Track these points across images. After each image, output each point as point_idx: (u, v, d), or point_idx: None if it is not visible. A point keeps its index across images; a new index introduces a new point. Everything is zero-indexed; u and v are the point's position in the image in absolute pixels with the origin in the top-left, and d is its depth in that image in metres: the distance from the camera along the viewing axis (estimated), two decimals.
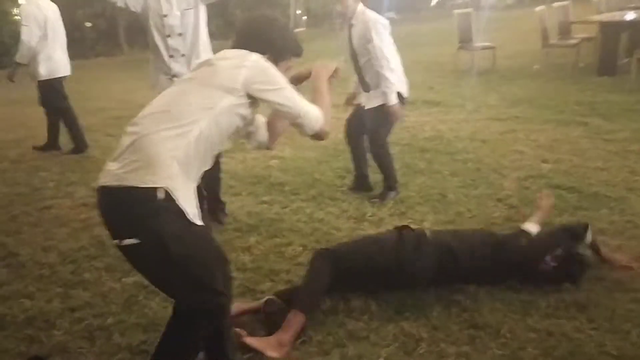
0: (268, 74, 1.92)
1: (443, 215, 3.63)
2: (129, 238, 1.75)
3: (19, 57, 5.24)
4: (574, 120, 5.69)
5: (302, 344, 2.36)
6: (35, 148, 5.79)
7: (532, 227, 2.88)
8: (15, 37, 5.85)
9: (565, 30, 8.87)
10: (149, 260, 1.82)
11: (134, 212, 1.74)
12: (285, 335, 2.35)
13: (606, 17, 8.58)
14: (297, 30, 19.18)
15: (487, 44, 9.07)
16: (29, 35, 5.08)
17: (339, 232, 3.44)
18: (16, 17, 11.93)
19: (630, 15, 8.02)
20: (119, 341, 2.44)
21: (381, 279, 2.67)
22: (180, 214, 1.77)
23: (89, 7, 13.62)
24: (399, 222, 3.53)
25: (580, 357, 2.20)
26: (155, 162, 1.74)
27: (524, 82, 7.68)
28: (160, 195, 1.73)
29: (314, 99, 2.07)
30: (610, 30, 7.84)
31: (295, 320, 2.39)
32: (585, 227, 2.85)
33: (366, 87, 3.96)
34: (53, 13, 5.37)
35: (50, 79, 5.34)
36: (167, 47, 3.43)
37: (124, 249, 1.82)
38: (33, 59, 5.22)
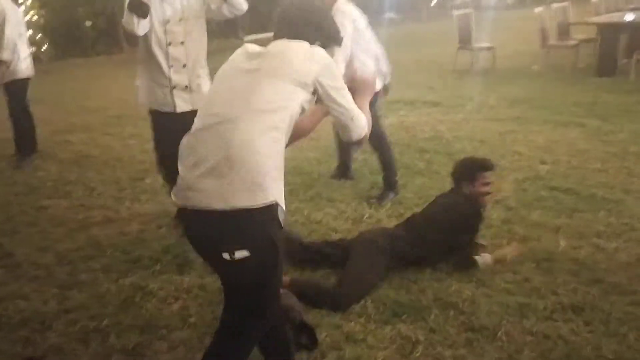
0: (333, 71, 1.84)
1: None
2: (237, 251, 1.65)
3: (7, 55, 4.97)
4: (572, 121, 5.68)
5: (298, 346, 2.35)
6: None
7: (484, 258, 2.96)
8: None
9: (564, 31, 8.86)
10: (251, 271, 1.70)
11: (244, 229, 1.66)
12: None
13: (605, 18, 8.58)
14: None
15: (486, 44, 9.06)
16: (12, 31, 4.96)
17: (336, 234, 3.43)
18: None
19: (629, 17, 8.02)
20: (114, 343, 2.44)
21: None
22: (278, 221, 1.71)
23: (89, 6, 13.58)
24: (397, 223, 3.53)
25: None
26: (262, 177, 1.65)
27: (524, 82, 7.67)
28: (270, 208, 1.67)
29: (359, 105, 1.94)
30: (610, 31, 7.83)
31: None
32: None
33: None
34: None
35: (27, 78, 5.14)
36: (167, 56, 3.23)
37: (223, 263, 1.69)
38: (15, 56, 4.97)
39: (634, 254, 3.00)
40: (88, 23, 13.59)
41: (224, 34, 14.60)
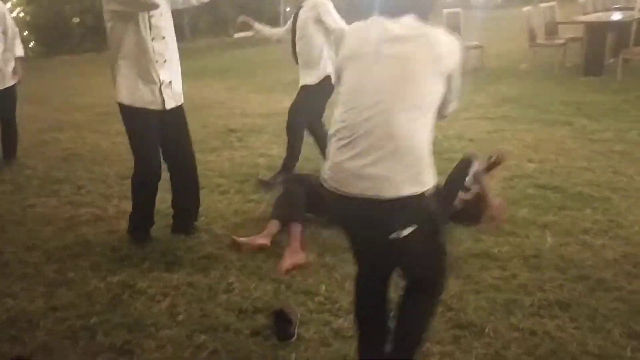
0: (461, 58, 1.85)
1: None
2: (404, 229, 1.78)
3: (19, 51, 4.95)
4: (559, 120, 5.73)
5: (287, 342, 2.36)
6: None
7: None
8: None
9: (552, 30, 8.93)
10: (418, 241, 1.83)
11: (410, 213, 1.79)
12: (294, 243, 3.10)
13: (592, 17, 8.66)
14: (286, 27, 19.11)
15: (475, 43, 9.10)
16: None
17: (326, 231, 3.44)
18: None
19: (616, 16, 8.10)
20: (102, 341, 2.43)
21: None
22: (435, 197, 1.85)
23: (77, 3, 13.48)
24: None
25: (563, 356, 2.22)
26: (424, 166, 1.78)
27: (512, 81, 7.73)
28: (431, 190, 1.81)
29: None
30: (597, 30, 7.90)
31: (296, 230, 3.17)
32: (468, 163, 3.37)
33: (303, 65, 4.28)
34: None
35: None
36: (153, 51, 3.13)
37: (390, 242, 1.81)
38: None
39: (619, 251, 3.04)
40: (75, 20, 13.49)
41: (213, 32, 14.56)
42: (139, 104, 3.19)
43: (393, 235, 1.78)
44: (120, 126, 6.40)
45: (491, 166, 3.38)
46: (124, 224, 3.67)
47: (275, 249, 3.23)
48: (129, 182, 4.45)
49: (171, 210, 3.82)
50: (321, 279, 2.88)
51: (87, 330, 2.52)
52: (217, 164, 4.94)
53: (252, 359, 2.29)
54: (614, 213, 3.50)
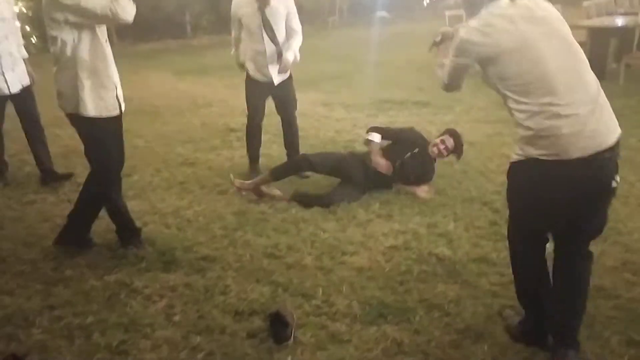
0: None
1: (429, 218, 3.63)
2: (616, 176, 2.09)
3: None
4: None
5: (283, 345, 2.35)
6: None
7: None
8: None
9: None
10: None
11: (617, 157, 2.09)
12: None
13: (596, 22, 8.63)
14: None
15: None
16: None
17: (324, 233, 3.43)
18: None
19: (619, 21, 8.08)
20: (98, 341, 2.42)
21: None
22: None
23: None
24: (386, 224, 3.55)
25: None
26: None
27: None
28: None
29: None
30: (600, 35, 7.89)
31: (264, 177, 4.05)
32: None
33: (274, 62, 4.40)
34: None
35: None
36: (108, 56, 3.02)
37: (607, 195, 2.12)
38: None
39: (619, 258, 3.03)
40: None
41: (214, 29, 14.53)
42: (103, 113, 3.00)
43: (613, 183, 2.07)
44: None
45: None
46: None
47: (274, 251, 3.22)
48: (128, 180, 4.47)
49: (168, 210, 3.82)
50: (318, 282, 2.87)
51: (83, 329, 2.51)
52: (217, 163, 4.94)
53: None
54: (613, 220, 3.47)
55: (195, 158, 5.10)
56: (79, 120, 3.02)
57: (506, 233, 2.36)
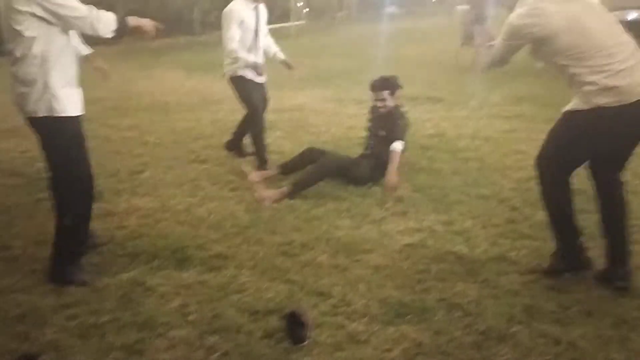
0: None
1: (444, 215, 3.57)
2: None
3: None
4: None
5: (300, 346, 2.31)
6: None
7: None
8: None
9: None
10: None
11: None
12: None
13: None
14: (297, 23, 19.04)
15: (491, 42, 9.00)
16: None
17: (339, 231, 3.38)
18: None
19: (632, 15, 7.95)
20: (113, 340, 2.38)
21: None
22: None
23: None
24: (401, 221, 3.50)
25: None
26: None
27: (528, 80, 7.62)
28: None
29: None
30: None
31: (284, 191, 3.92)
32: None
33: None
34: None
35: None
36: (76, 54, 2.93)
37: None
38: None
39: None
40: None
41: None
42: (75, 112, 2.82)
43: None
44: (130, 120, 6.43)
45: None
46: (134, 220, 3.64)
47: (288, 249, 3.18)
48: (139, 177, 4.45)
49: (180, 207, 3.79)
50: (334, 281, 2.83)
51: (98, 328, 2.47)
52: (228, 160, 4.90)
53: None
54: (634, 217, 3.39)
55: (206, 155, 5.06)
56: (46, 123, 2.74)
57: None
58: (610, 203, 2.75)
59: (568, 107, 2.67)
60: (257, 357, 2.27)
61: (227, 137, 5.57)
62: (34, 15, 2.58)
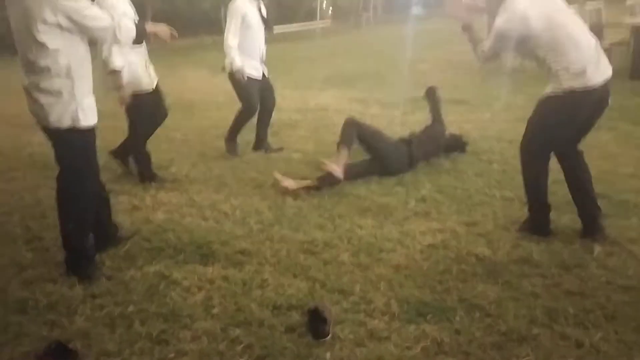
0: None
1: (467, 217, 3.57)
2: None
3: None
4: (603, 124, 5.50)
5: (322, 342, 2.34)
6: None
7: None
8: None
9: (597, 32, 8.64)
10: None
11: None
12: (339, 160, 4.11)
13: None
14: (322, 23, 19.09)
15: None
16: None
17: (361, 230, 3.41)
18: None
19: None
20: (139, 330, 2.45)
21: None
22: None
23: None
24: (424, 222, 3.51)
25: None
26: None
27: None
28: None
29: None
30: None
31: (343, 153, 4.14)
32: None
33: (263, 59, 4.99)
34: None
35: None
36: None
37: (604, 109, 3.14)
38: None
39: None
40: None
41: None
42: (94, 120, 2.88)
43: (610, 101, 3.09)
44: None
45: None
46: (160, 215, 3.72)
47: (310, 247, 3.21)
48: (166, 172, 4.53)
49: (205, 202, 3.85)
50: (355, 279, 2.85)
51: (125, 318, 2.54)
52: (252, 158, 4.96)
53: (286, 355, 2.28)
54: None
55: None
56: (69, 134, 2.77)
57: (523, 159, 3.23)
58: (577, 171, 3.23)
59: (544, 94, 3.11)
60: (279, 350, 2.31)
61: (252, 135, 5.64)
62: (59, 26, 2.60)
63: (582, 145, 3.32)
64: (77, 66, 2.72)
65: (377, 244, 3.24)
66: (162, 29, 3.18)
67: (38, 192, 4.19)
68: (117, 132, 4.63)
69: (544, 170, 3.22)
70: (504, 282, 2.79)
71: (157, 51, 3.86)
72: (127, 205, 3.90)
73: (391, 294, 2.69)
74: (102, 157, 4.88)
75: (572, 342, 2.28)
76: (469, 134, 5.41)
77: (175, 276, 2.90)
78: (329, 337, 2.36)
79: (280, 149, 5.12)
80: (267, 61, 5.12)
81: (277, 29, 7.48)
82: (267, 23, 4.94)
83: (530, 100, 6.54)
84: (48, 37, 2.60)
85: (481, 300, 2.62)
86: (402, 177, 4.28)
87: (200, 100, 7.58)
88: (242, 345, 2.34)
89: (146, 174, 4.33)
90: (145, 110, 4.17)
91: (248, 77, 4.80)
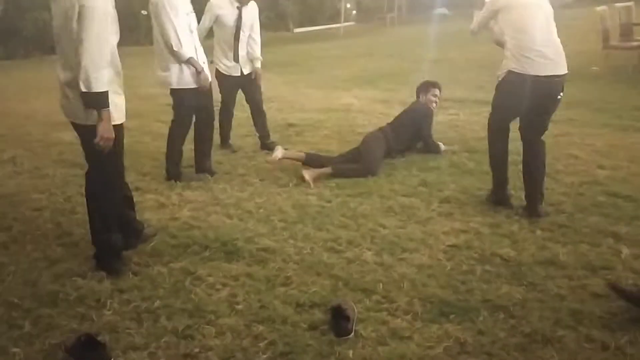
0: None
1: (492, 218, 3.54)
2: (561, 92, 3.46)
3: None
4: (632, 125, 5.45)
5: (344, 338, 2.36)
6: None
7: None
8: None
9: (627, 31, 8.50)
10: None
11: (563, 82, 3.47)
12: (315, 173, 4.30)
13: None
14: (345, 24, 19.09)
15: None
16: None
17: (384, 229, 3.42)
18: None
19: None
20: (165, 324, 2.50)
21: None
22: None
23: None
24: (447, 222, 3.50)
25: None
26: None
27: (581, 84, 7.40)
28: None
29: None
30: None
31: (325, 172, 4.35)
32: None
33: (237, 58, 5.00)
34: None
35: None
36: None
37: (556, 100, 3.46)
38: None
39: None
40: (144, 12, 13.95)
41: (274, 26, 14.70)
42: (120, 120, 2.95)
43: (559, 96, 3.41)
44: None
45: None
46: (186, 212, 3.77)
47: (334, 245, 3.23)
48: (191, 170, 4.59)
49: (230, 200, 3.89)
50: (378, 278, 2.86)
51: (151, 313, 2.59)
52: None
53: (309, 352, 2.29)
54: None
55: (254, 151, 5.18)
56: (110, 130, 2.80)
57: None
58: (527, 156, 3.58)
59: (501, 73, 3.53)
60: (302, 347, 2.33)
61: (276, 135, 5.69)
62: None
63: (612, 148, 3.27)
64: (108, 62, 2.73)
65: (400, 243, 3.24)
66: None
67: (68, 189, 4.29)
68: (143, 132, 4.70)
69: (503, 147, 3.67)
70: (528, 283, 2.76)
71: None
72: (154, 203, 3.97)
73: (414, 294, 2.69)
74: (128, 158, 5.01)
75: (598, 345, 2.26)
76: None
77: (200, 272, 2.95)
78: (351, 335, 2.37)
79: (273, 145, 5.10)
80: (289, 61, 5.17)
81: (301, 30, 7.51)
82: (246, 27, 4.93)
83: None
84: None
85: (505, 301, 2.61)
86: (425, 177, 4.26)
87: None
88: (265, 342, 2.37)
89: (172, 172, 4.40)
90: (189, 106, 4.38)
91: (222, 74, 5.03)
